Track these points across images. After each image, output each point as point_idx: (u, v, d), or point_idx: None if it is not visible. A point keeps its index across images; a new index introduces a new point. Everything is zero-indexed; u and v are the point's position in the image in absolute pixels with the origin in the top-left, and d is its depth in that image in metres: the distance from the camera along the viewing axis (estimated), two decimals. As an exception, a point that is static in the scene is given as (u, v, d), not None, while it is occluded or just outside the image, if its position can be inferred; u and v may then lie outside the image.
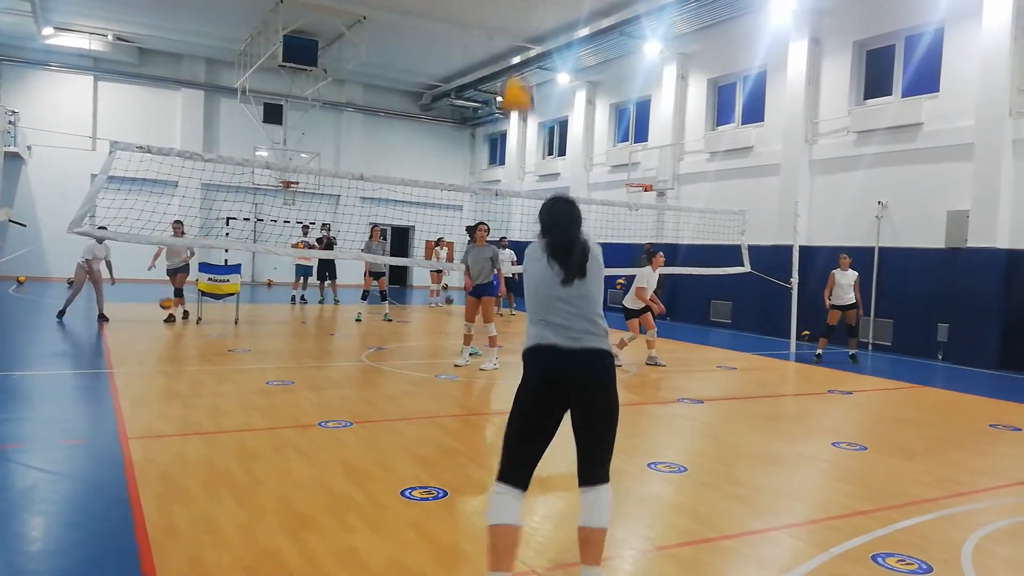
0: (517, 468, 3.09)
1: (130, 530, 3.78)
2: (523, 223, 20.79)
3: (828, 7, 14.61)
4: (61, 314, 12.50)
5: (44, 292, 17.75)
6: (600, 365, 3.11)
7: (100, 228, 10.81)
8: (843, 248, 14.04)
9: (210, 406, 6.69)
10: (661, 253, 10.70)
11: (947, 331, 12.36)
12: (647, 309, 10.51)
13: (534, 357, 3.15)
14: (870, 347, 13.51)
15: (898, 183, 13.36)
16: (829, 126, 14.71)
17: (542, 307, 3.16)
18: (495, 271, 9.56)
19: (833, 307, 11.80)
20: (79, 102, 22.17)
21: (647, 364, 10.35)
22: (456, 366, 9.48)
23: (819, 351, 11.99)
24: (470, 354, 9.86)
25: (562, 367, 3.08)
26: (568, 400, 3.10)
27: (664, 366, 10.31)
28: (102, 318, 12.46)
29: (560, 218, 3.23)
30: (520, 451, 3.10)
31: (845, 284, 11.65)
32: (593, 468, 3.10)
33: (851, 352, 11.95)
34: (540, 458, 3.14)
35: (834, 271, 11.77)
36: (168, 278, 13.26)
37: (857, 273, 11.75)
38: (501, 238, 18.29)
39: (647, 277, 10.36)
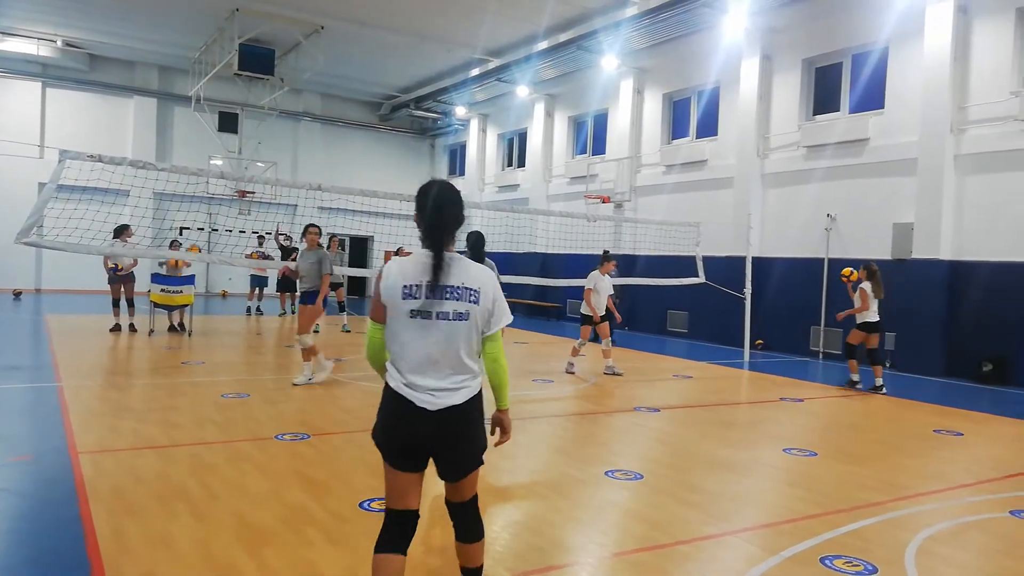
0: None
1: (82, 547, 3.71)
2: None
3: (779, 25, 15.03)
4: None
5: (-12, 304, 17.20)
6: None
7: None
8: (795, 259, 14.42)
9: (163, 419, 6.58)
10: (615, 261, 10.83)
11: (894, 340, 12.74)
12: (606, 318, 10.62)
13: None
14: (820, 355, 13.84)
15: (846, 196, 13.76)
16: (780, 140, 15.10)
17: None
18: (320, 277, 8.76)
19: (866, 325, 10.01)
20: (26, 109, 21.54)
21: (605, 374, 10.46)
22: (298, 383, 8.66)
23: (855, 377, 10.21)
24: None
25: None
26: None
27: (621, 375, 10.43)
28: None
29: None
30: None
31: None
32: None
33: (878, 383, 9.93)
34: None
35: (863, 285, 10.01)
36: (109, 287, 12.99)
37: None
38: None
39: (595, 280, 10.49)
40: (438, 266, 2.77)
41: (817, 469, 5.94)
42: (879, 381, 9.99)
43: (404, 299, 2.77)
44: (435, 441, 2.80)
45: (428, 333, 2.77)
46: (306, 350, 8.66)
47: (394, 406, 2.81)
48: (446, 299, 2.77)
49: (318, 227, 9.00)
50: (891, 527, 4.57)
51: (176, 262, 13.06)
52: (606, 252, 10.91)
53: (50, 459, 5.28)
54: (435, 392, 2.77)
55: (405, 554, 2.82)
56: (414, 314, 2.77)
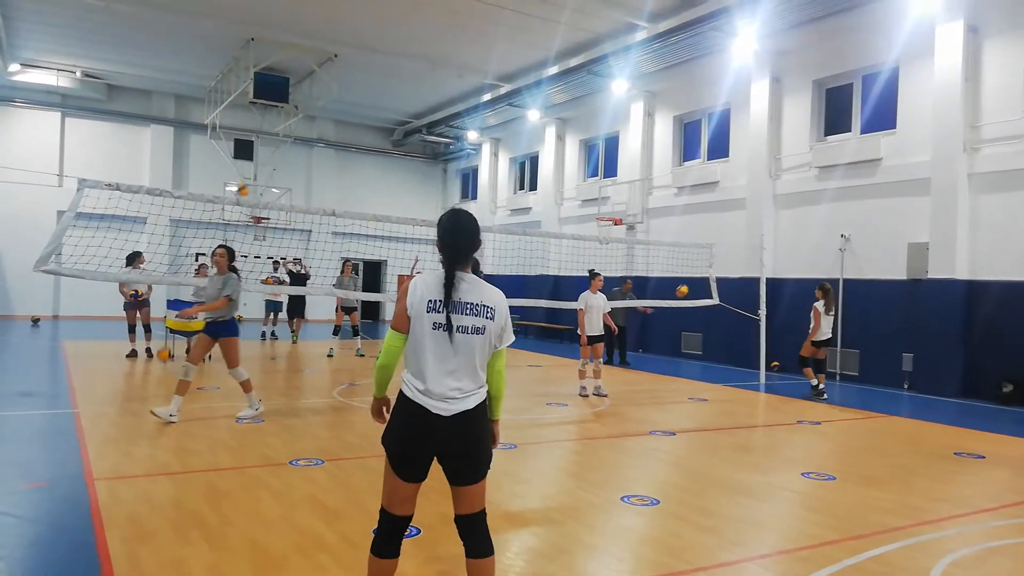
0: None
1: (96, 574, 3.71)
2: (494, 257, 20.89)
3: (788, 47, 15.08)
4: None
5: (7, 331, 17.37)
6: None
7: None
8: (810, 280, 14.35)
9: (178, 445, 6.59)
10: (601, 276, 10.89)
11: (911, 361, 12.60)
12: (600, 338, 10.65)
13: None
14: (837, 377, 13.70)
15: (860, 216, 13.70)
16: (792, 161, 15.09)
17: None
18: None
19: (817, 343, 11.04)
20: (46, 138, 21.91)
21: (594, 394, 10.44)
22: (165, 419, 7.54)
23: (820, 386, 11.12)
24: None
25: None
26: None
27: (587, 396, 10.37)
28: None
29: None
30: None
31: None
32: None
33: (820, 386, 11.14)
34: None
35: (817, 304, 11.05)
36: (125, 313, 13.07)
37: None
38: None
39: (586, 300, 10.57)
40: (449, 284, 3.06)
41: (836, 493, 5.86)
42: (821, 386, 11.05)
43: (428, 312, 3.05)
44: (448, 446, 3.04)
45: (448, 345, 3.04)
46: (181, 382, 7.66)
47: (409, 415, 3.04)
48: (466, 314, 3.06)
49: (226, 247, 7.97)
50: (913, 552, 4.49)
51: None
52: (591, 271, 11.00)
53: (66, 485, 5.30)
54: (449, 400, 3.03)
55: (398, 557, 3.14)
56: (436, 326, 3.04)
